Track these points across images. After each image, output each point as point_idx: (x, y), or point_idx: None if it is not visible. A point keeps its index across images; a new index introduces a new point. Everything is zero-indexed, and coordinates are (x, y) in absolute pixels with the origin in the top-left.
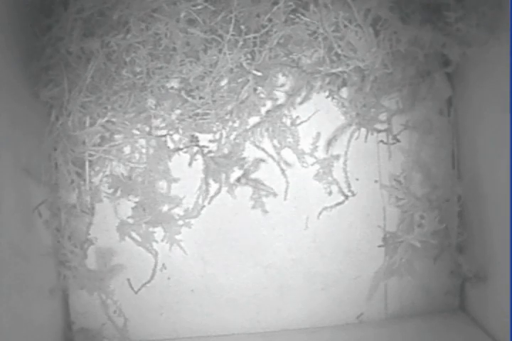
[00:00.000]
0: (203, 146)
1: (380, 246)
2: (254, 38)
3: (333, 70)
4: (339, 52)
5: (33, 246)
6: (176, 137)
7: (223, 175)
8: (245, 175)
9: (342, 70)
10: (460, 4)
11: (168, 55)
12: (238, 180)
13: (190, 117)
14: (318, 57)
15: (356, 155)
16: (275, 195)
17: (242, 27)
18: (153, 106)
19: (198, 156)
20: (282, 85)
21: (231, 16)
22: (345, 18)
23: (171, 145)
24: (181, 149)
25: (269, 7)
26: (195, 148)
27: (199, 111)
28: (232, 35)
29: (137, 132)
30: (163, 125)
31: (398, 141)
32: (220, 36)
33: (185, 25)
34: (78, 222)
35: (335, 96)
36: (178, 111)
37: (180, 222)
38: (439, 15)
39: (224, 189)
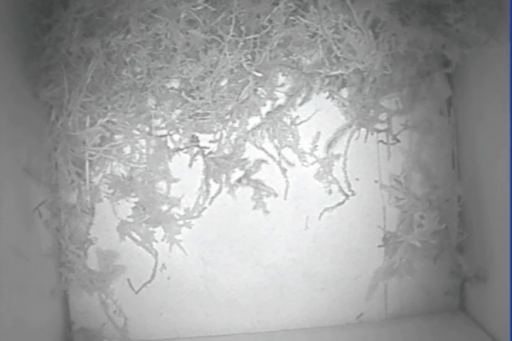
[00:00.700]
0: (204, 147)
1: (380, 246)
2: (255, 38)
3: (333, 73)
4: (338, 54)
5: (33, 246)
6: (176, 137)
7: (224, 176)
8: (246, 175)
9: (341, 72)
10: (460, 5)
11: (168, 56)
12: (239, 180)
13: (190, 117)
14: (318, 59)
15: (356, 155)
16: (276, 195)
17: (243, 28)
18: (154, 107)
19: (199, 157)
20: (282, 85)
21: (231, 17)
22: (344, 20)
23: (171, 146)
24: (181, 149)
25: (270, 8)
26: (196, 149)
27: (199, 111)
28: (233, 35)
29: (137, 132)
30: (163, 125)
31: (398, 141)
32: (221, 37)
33: (185, 26)
34: (78, 222)
35: (335, 96)
36: (178, 112)
37: (181, 222)
38: (438, 16)
39: (224, 189)
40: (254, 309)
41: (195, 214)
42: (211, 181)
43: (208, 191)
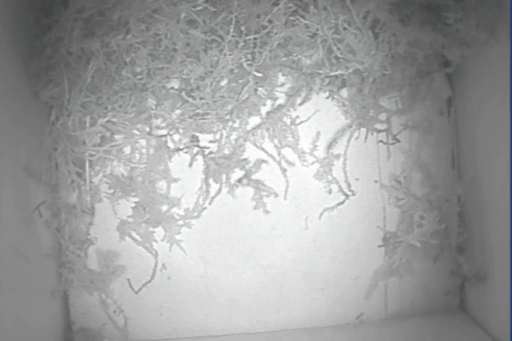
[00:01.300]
0: (204, 147)
1: (380, 246)
2: (255, 39)
3: (333, 73)
4: (338, 55)
5: (33, 246)
6: (176, 137)
7: (224, 176)
8: (247, 175)
9: (341, 73)
10: (459, 5)
11: (168, 56)
12: (240, 180)
13: (190, 117)
14: (318, 59)
15: (356, 155)
16: (276, 195)
17: (243, 28)
18: (154, 107)
19: (199, 157)
20: (282, 85)
21: (231, 17)
22: (344, 20)
23: (171, 146)
24: (181, 149)
25: (270, 8)
26: (196, 149)
27: (199, 111)
28: (233, 36)
29: (137, 132)
30: (163, 125)
31: (398, 141)
32: (221, 37)
33: (185, 26)
34: (78, 222)
35: (335, 96)
36: (178, 112)
37: (181, 222)
38: (438, 16)
39: (224, 189)
40: (254, 309)
41: (195, 214)
42: (211, 181)
43: (207, 191)
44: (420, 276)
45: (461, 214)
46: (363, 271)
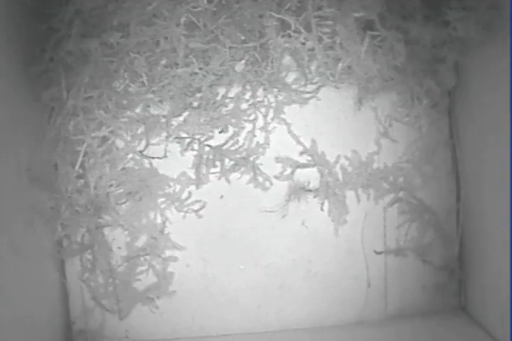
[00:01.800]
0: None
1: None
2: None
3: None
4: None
5: (33, 246)
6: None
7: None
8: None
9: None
10: (460, 5)
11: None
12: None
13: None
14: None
15: None
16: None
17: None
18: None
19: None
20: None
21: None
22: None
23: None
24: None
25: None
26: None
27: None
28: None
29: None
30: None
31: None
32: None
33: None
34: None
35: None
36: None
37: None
38: (438, 15)
39: (224, 189)
40: (254, 309)
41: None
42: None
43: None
44: (420, 276)
45: (461, 216)
46: (363, 271)
